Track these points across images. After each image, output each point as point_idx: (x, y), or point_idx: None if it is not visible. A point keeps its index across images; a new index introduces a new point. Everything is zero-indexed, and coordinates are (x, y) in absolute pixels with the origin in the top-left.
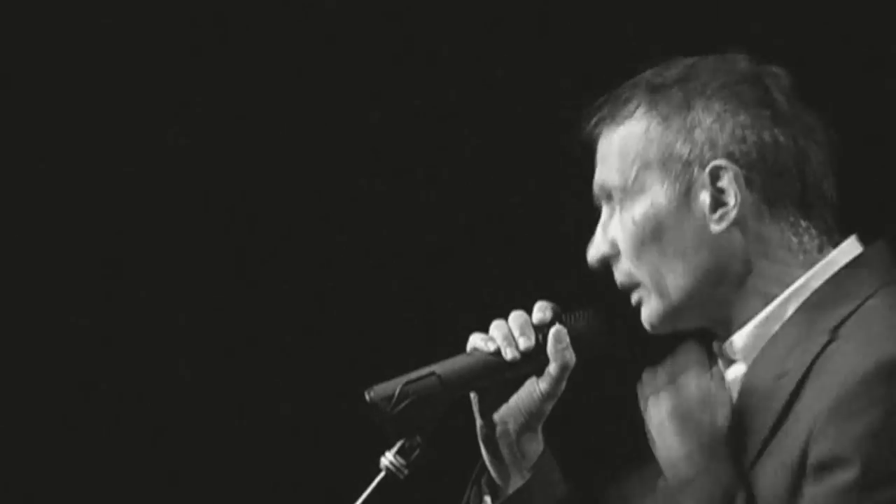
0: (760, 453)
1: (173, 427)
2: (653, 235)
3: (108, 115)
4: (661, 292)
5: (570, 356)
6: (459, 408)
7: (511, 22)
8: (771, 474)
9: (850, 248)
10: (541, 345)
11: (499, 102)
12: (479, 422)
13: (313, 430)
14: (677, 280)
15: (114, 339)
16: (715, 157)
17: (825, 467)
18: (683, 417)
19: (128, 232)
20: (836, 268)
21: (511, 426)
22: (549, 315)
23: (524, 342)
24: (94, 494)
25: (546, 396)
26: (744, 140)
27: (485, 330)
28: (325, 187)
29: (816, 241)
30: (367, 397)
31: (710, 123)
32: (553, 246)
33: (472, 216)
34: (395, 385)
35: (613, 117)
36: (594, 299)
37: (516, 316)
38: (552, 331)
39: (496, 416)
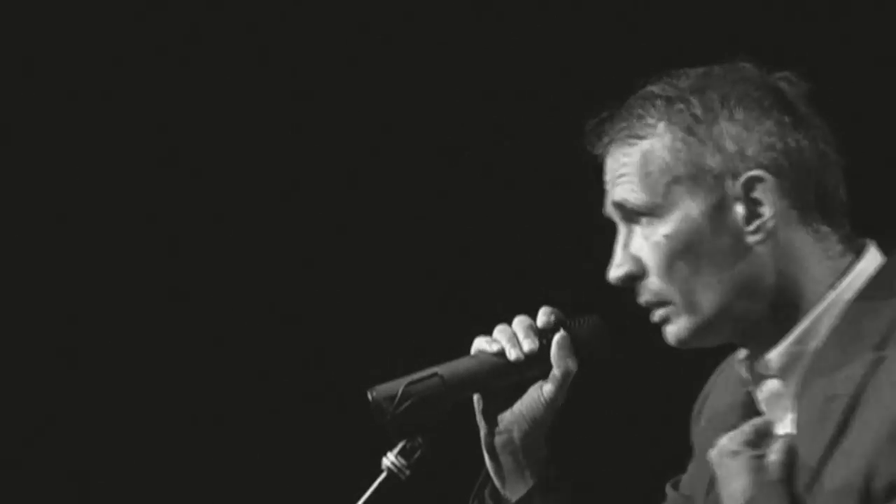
0: (816, 477)
1: (175, 427)
2: (685, 251)
3: (111, 116)
4: (694, 308)
5: (573, 363)
6: (462, 410)
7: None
8: (832, 498)
9: (873, 256)
10: (544, 349)
11: (509, 108)
12: (482, 430)
13: (315, 430)
14: (711, 295)
15: (114, 338)
16: (747, 168)
17: (894, 490)
18: (740, 453)
19: (128, 230)
20: (863, 278)
21: (515, 434)
22: (552, 320)
23: (528, 344)
24: (95, 494)
25: (549, 403)
26: (772, 148)
27: (489, 334)
28: (331, 188)
29: (839, 247)
30: (369, 397)
31: (737, 133)
32: (558, 252)
33: (478, 221)
34: (397, 385)
35: (630, 133)
36: (598, 306)
37: (520, 320)
38: (556, 337)
39: (500, 425)
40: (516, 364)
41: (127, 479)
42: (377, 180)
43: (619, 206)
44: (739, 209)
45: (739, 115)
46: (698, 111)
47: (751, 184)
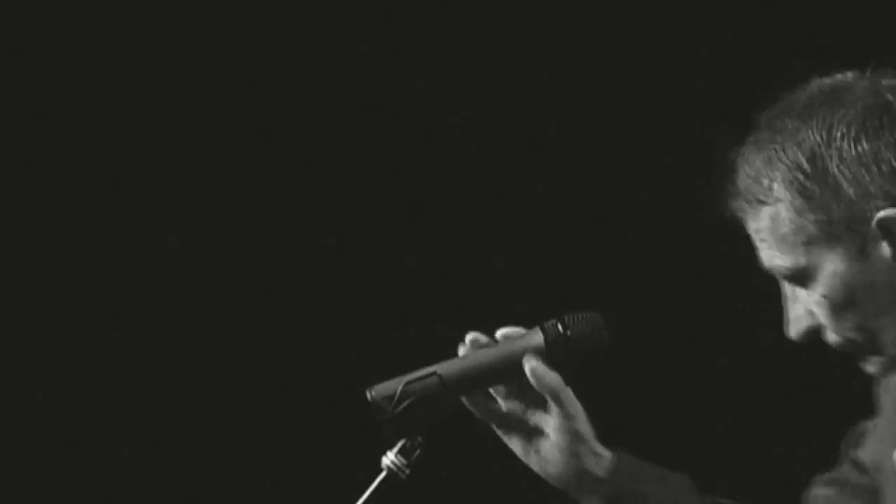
0: None
1: (173, 427)
2: (848, 304)
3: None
4: (878, 349)
5: (554, 379)
6: (462, 409)
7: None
8: None
9: None
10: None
11: (497, 108)
12: (556, 483)
13: (314, 429)
14: (889, 333)
15: (114, 337)
16: (876, 207)
17: None
18: None
19: (128, 229)
20: None
21: (575, 468)
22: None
23: (474, 334)
24: (94, 495)
25: (567, 419)
26: (894, 174)
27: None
28: (328, 187)
29: None
30: (368, 396)
31: (853, 173)
32: (557, 252)
33: (478, 220)
34: (396, 384)
35: (751, 197)
36: (593, 304)
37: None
38: (527, 370)
39: (557, 469)
40: (512, 361)
41: (126, 480)
42: (375, 179)
43: (770, 268)
44: (885, 248)
45: (849, 150)
46: (806, 163)
47: (886, 223)
